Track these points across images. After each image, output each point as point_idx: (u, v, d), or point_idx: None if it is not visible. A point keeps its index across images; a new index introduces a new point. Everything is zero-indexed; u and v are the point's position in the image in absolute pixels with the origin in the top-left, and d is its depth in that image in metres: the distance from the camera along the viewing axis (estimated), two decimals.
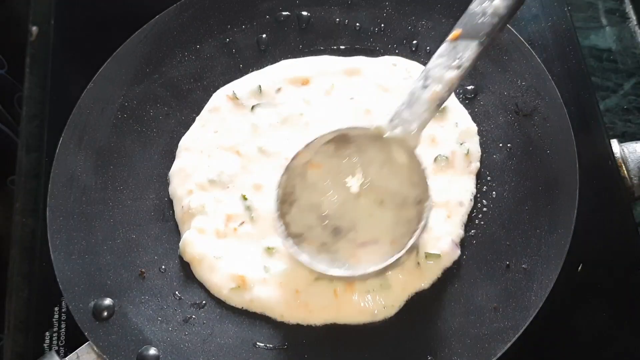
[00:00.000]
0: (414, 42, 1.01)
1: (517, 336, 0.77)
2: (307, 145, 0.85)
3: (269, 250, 0.87)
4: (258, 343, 0.83)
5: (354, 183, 0.86)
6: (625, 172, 0.93)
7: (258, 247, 0.88)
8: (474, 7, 0.82)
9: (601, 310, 0.87)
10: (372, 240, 0.83)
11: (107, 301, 0.85)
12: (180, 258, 0.90)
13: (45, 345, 0.91)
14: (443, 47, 0.82)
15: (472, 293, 0.82)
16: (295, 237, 0.84)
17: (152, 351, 0.82)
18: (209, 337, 0.84)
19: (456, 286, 0.83)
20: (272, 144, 0.95)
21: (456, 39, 0.81)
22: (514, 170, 0.89)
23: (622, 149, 0.94)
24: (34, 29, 1.16)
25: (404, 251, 0.78)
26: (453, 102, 0.94)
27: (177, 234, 0.92)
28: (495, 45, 0.95)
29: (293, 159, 0.85)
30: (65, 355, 0.84)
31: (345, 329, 0.83)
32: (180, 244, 0.90)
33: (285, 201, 0.85)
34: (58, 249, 0.87)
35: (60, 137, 0.95)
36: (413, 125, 0.80)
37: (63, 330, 0.92)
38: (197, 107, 1.00)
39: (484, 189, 0.89)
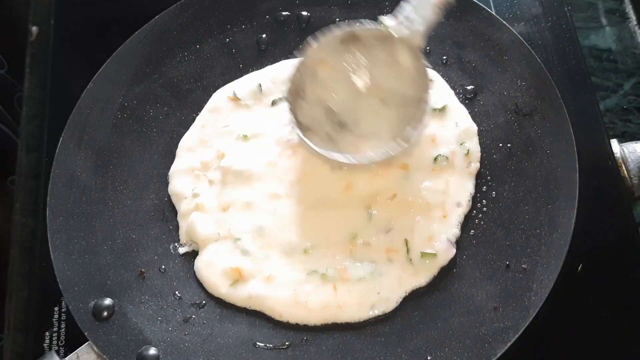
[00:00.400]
0: None
1: (517, 336, 0.77)
2: (319, 43, 0.88)
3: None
4: (258, 343, 0.83)
5: (360, 82, 0.90)
6: (625, 172, 0.93)
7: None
8: None
9: (601, 310, 0.87)
10: (374, 134, 0.88)
11: (107, 301, 0.85)
12: (180, 258, 0.90)
13: (45, 345, 0.91)
14: None
15: (472, 293, 0.82)
16: (303, 128, 0.88)
17: (152, 351, 0.82)
18: (209, 337, 0.84)
19: (456, 286, 0.83)
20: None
21: None
22: (514, 170, 0.89)
23: (622, 149, 0.94)
24: (34, 29, 1.16)
25: (404, 144, 0.83)
26: (453, 102, 0.94)
27: (177, 234, 0.93)
28: (495, 45, 0.95)
29: (305, 56, 0.89)
30: (65, 355, 0.84)
31: (345, 328, 0.83)
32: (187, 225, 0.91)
33: (297, 95, 0.89)
34: (58, 249, 0.87)
35: (60, 137, 0.95)
36: (420, 25, 0.85)
37: (63, 330, 0.92)
38: (197, 107, 1.01)
39: (484, 189, 0.89)
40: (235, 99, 0.99)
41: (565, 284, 0.80)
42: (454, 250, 0.85)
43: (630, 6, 1.17)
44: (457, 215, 0.87)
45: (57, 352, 0.89)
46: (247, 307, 0.85)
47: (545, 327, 0.82)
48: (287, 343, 0.83)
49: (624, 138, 1.07)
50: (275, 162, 0.92)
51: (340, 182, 0.89)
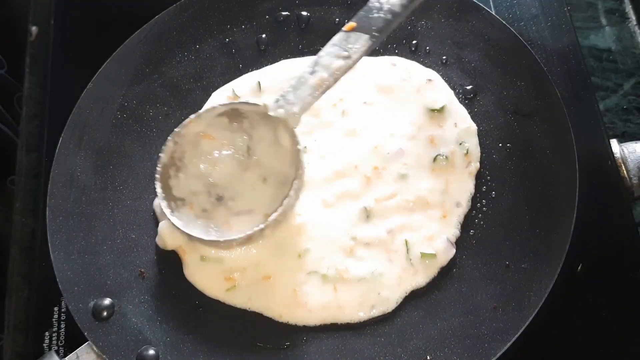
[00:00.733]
0: (414, 42, 1.00)
1: (516, 336, 0.77)
2: (199, 115, 0.88)
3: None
4: (258, 343, 0.83)
5: (242, 158, 0.90)
6: (625, 172, 0.93)
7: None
8: (373, 1, 0.86)
9: (601, 310, 0.87)
10: (247, 210, 0.87)
11: (107, 301, 0.85)
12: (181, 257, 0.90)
13: (45, 345, 0.92)
14: (337, 37, 0.86)
15: (472, 293, 0.82)
16: (177, 200, 0.87)
17: (152, 351, 0.82)
18: (209, 337, 0.84)
19: (456, 286, 0.83)
20: None
21: (350, 30, 0.85)
22: (514, 170, 0.89)
23: (622, 149, 0.94)
24: (34, 29, 1.17)
25: (262, 225, 0.82)
26: (453, 102, 0.94)
27: None
28: (495, 45, 0.95)
29: (182, 127, 0.88)
30: (65, 355, 0.84)
31: (345, 328, 0.83)
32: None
33: (173, 165, 0.88)
34: (58, 249, 0.88)
35: (60, 137, 0.95)
36: (295, 107, 0.84)
37: (63, 330, 0.92)
38: (197, 107, 1.00)
39: (484, 189, 0.89)
40: (235, 97, 0.99)
41: (565, 284, 0.80)
42: (454, 251, 0.85)
43: (630, 6, 1.17)
44: (456, 215, 0.87)
45: (57, 352, 0.89)
46: (247, 309, 0.85)
47: (545, 327, 0.82)
48: (286, 343, 0.83)
49: (623, 138, 1.07)
50: None
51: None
